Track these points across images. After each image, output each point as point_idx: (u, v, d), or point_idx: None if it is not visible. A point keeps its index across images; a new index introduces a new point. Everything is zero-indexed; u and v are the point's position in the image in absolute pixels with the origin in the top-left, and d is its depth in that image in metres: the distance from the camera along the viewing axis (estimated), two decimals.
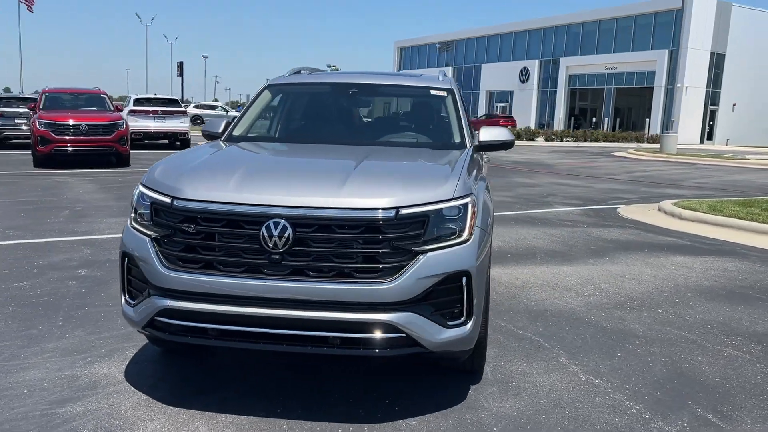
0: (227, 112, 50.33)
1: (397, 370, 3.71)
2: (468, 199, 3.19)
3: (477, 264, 3.10)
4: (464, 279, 3.05)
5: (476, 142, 4.33)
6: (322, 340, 2.96)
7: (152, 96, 23.41)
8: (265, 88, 4.93)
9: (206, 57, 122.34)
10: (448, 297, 3.06)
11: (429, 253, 2.97)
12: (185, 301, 3.01)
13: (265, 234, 2.90)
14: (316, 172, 3.47)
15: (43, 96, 16.76)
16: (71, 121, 14.71)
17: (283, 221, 2.91)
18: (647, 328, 4.58)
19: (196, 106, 49.52)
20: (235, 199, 3.00)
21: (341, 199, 2.97)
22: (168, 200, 3.09)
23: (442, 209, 3.07)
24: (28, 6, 56.94)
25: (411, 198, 3.02)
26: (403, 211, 2.96)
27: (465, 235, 3.11)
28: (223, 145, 4.20)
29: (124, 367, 3.65)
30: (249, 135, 4.50)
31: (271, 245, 2.89)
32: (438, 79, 4.84)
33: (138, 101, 22.33)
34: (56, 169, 14.33)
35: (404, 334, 2.94)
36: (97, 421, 3.01)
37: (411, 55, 75.22)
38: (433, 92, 4.70)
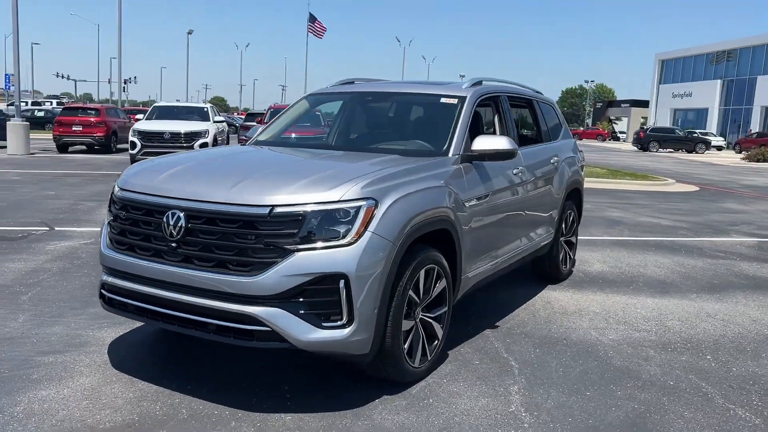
0: None
1: (330, 367, 3.75)
2: (362, 203, 3.16)
3: (359, 268, 3.07)
4: (342, 282, 3.05)
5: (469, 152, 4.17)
6: (202, 325, 3.19)
7: None
8: (303, 97, 5.28)
9: (462, 76, 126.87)
10: (324, 298, 3.07)
11: (302, 252, 3.03)
12: (115, 277, 3.47)
13: (165, 223, 3.23)
14: (230, 171, 3.68)
15: (269, 111, 19.57)
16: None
17: (178, 212, 3.21)
18: (664, 372, 3.93)
19: None
20: (150, 190, 3.39)
21: (227, 195, 3.18)
22: (116, 190, 3.59)
23: (321, 210, 3.10)
24: (317, 34, 64.65)
25: (288, 198, 3.11)
26: (278, 210, 3.07)
27: (349, 238, 3.10)
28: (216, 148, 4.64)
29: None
30: (265, 140, 4.86)
31: (168, 233, 3.22)
32: (460, 86, 4.72)
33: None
34: None
35: (269, 329, 3.03)
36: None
37: (674, 68, 69.12)
38: (442, 100, 4.60)
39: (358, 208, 3.16)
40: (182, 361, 3.91)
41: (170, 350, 4.11)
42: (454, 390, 3.56)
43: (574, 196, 6.31)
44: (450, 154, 4.12)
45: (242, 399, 3.33)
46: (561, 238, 5.99)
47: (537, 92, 6.36)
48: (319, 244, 3.07)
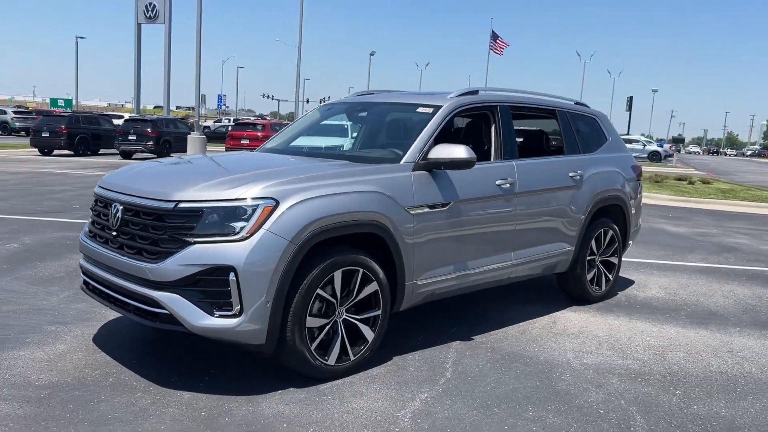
0: (644, 146, 48.99)
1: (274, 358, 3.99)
2: (260, 203, 3.41)
3: (249, 263, 3.31)
4: (232, 274, 3.31)
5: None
6: (126, 305, 3.63)
7: None
8: (315, 108, 5.61)
9: (655, 91, 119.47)
10: (216, 288, 3.36)
11: (198, 244, 3.35)
12: (87, 262, 4.05)
13: (111, 214, 3.74)
14: (176, 173, 4.07)
15: None
16: None
17: (118, 205, 3.70)
18: (603, 400, 3.63)
19: None
20: (109, 186, 3.92)
21: (149, 191, 3.60)
22: (96, 185, 4.19)
23: (219, 207, 3.40)
24: (497, 51, 65.53)
25: (191, 195, 3.44)
26: (181, 205, 3.42)
27: (243, 234, 3.36)
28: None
29: None
30: (268, 147, 5.24)
31: (112, 223, 3.72)
32: (444, 97, 4.73)
33: None
34: None
35: (168, 312, 3.38)
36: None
37: None
38: (419, 110, 4.65)
39: (255, 207, 3.40)
40: (158, 344, 4.33)
41: (158, 334, 4.57)
42: (362, 391, 3.63)
43: (612, 213, 5.91)
44: (402, 162, 4.18)
45: (166, 376, 3.70)
46: (591, 257, 5.65)
47: (579, 104, 6.08)
48: (215, 237, 3.36)
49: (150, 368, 3.82)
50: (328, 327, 3.71)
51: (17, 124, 41.57)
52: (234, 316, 3.36)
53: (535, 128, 6.34)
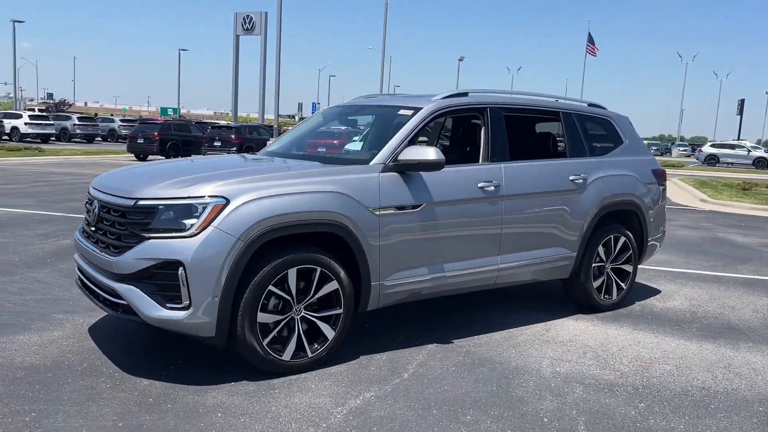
0: (749, 152, 46.11)
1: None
2: (210, 201, 3.57)
3: (196, 258, 3.48)
4: (181, 269, 3.50)
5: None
6: (98, 296, 3.90)
7: None
8: (319, 112, 5.75)
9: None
10: (167, 281, 3.55)
11: (152, 240, 3.57)
12: (77, 255, 4.38)
13: (92, 211, 4.04)
14: (151, 172, 4.28)
15: None
16: None
17: (96, 202, 3.99)
18: (554, 409, 3.51)
19: (713, 145, 47.20)
20: (95, 185, 4.20)
21: (117, 189, 3.86)
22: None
23: (172, 204, 3.60)
24: (591, 53, 64.16)
25: (149, 193, 3.67)
26: (140, 202, 3.65)
27: (192, 230, 3.54)
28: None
29: None
30: (268, 150, 5.42)
31: (92, 219, 4.02)
32: (429, 99, 4.74)
33: None
34: None
35: (126, 303, 3.62)
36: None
37: None
38: (400, 112, 4.68)
39: (206, 205, 3.56)
40: (147, 336, 4.57)
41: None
42: (311, 386, 3.71)
43: (625, 218, 5.68)
44: (371, 163, 4.23)
45: (135, 365, 3.93)
46: (599, 264, 5.45)
47: (593, 105, 5.90)
48: (168, 233, 3.56)
49: (127, 357, 4.07)
50: (283, 323, 3.82)
51: (123, 132, 44.59)
52: (183, 309, 3.53)
53: (535, 130, 6.18)
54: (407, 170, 4.25)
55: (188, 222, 3.55)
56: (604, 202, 5.37)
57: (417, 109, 4.58)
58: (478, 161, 4.84)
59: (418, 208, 4.26)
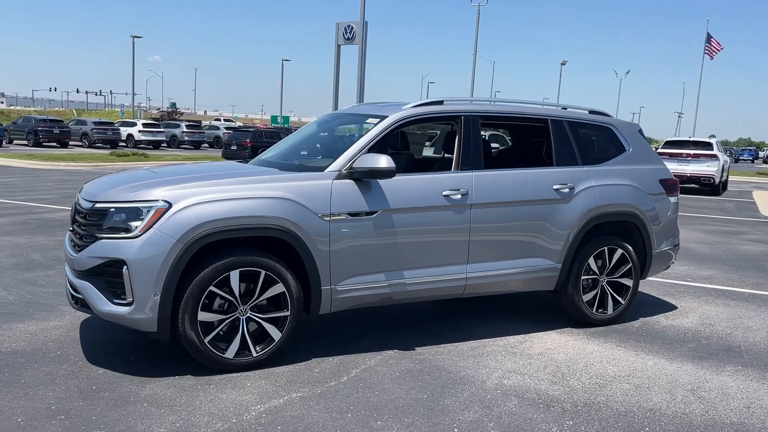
0: None
1: None
2: (153, 205, 3.83)
3: (138, 258, 3.75)
4: (125, 267, 3.78)
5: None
6: (68, 292, 4.25)
7: (686, 138, 22.85)
8: (314, 121, 5.94)
9: None
10: (114, 278, 3.85)
11: (103, 240, 3.88)
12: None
13: (71, 212, 4.43)
14: (123, 178, 4.57)
15: None
16: None
17: (76, 206, 4.36)
18: (473, 420, 3.47)
19: None
20: (81, 189, 4.58)
21: (89, 192, 4.20)
22: None
23: (120, 208, 3.89)
24: (710, 53, 61.29)
25: (103, 197, 3.99)
26: (96, 206, 3.98)
27: (136, 232, 3.81)
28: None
29: None
30: (260, 158, 5.64)
31: (71, 222, 4.40)
32: (399, 107, 4.79)
33: (669, 143, 22.33)
34: None
35: (82, 297, 3.95)
36: None
37: None
38: (367, 120, 4.76)
39: (150, 209, 3.82)
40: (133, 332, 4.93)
41: None
42: (245, 384, 3.87)
43: (622, 230, 5.44)
44: (327, 170, 4.34)
45: (102, 356, 4.27)
46: (591, 277, 5.27)
47: (594, 112, 5.72)
48: (116, 234, 3.85)
49: (99, 348, 4.41)
50: (227, 322, 4.00)
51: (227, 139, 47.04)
52: (127, 305, 3.80)
53: (520, 138, 6.03)
54: (361, 178, 4.32)
55: (134, 224, 3.82)
56: (595, 212, 5.18)
57: (382, 118, 4.65)
58: (450, 169, 4.82)
59: (374, 215, 4.32)
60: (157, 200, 3.85)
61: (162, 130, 42.75)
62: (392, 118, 4.64)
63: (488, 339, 4.92)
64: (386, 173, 4.24)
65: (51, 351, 4.30)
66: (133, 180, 4.31)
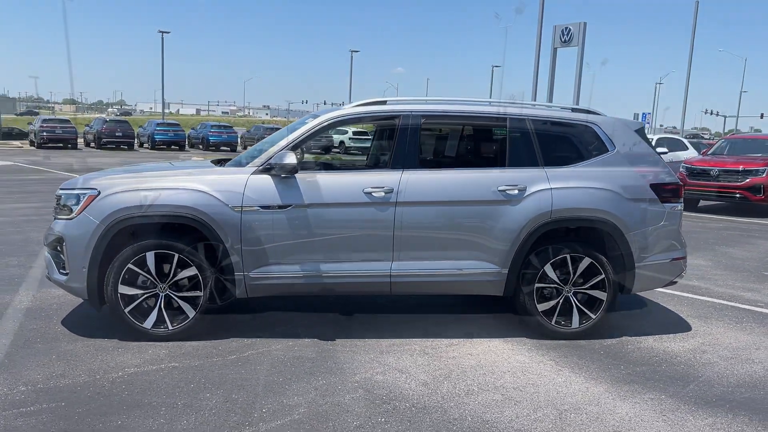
0: None
1: None
2: (86, 192, 4.61)
3: (70, 236, 4.55)
4: (63, 243, 4.62)
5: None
6: None
7: None
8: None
9: None
10: (59, 252, 4.71)
11: (57, 220, 4.75)
12: None
13: None
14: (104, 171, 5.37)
15: (720, 142, 17.28)
16: (712, 167, 14.81)
17: None
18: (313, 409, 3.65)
19: None
20: None
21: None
22: None
23: (66, 194, 4.70)
24: None
25: (66, 185, 4.84)
26: (58, 192, 4.85)
27: (73, 214, 4.61)
28: None
29: None
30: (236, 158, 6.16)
31: None
32: (340, 108, 5.03)
33: None
34: None
35: (45, 265, 4.87)
36: None
37: None
38: (306, 120, 5.03)
39: (84, 195, 4.59)
40: None
41: None
42: (141, 349, 4.43)
43: (594, 237, 5.01)
44: (248, 165, 4.76)
45: (75, 317, 5.16)
46: (551, 286, 4.95)
47: (579, 110, 5.33)
48: (62, 215, 4.66)
49: (82, 310, 5.29)
50: (145, 297, 4.60)
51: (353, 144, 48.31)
52: (66, 274, 4.60)
53: (471, 138, 5.70)
54: (273, 173, 4.64)
55: (73, 208, 4.61)
56: (551, 217, 4.84)
57: (315, 117, 4.92)
58: (387, 167, 4.91)
59: (286, 208, 4.61)
60: (92, 188, 4.59)
61: (369, 137, 45.50)
62: (322, 118, 4.89)
63: (423, 338, 4.89)
64: (290, 169, 4.54)
65: (47, 310, 5.28)
66: (102, 173, 5.11)
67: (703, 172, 14.97)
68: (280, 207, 4.61)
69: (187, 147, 38.96)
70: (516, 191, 4.83)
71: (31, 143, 33.43)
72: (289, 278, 4.71)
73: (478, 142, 5.70)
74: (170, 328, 4.63)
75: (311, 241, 4.69)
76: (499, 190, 4.82)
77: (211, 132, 39.04)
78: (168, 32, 54.80)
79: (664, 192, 5.08)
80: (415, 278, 4.83)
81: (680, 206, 5.17)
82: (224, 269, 4.64)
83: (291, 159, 4.50)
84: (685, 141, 20.45)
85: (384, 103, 5.05)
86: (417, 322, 5.33)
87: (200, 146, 39.59)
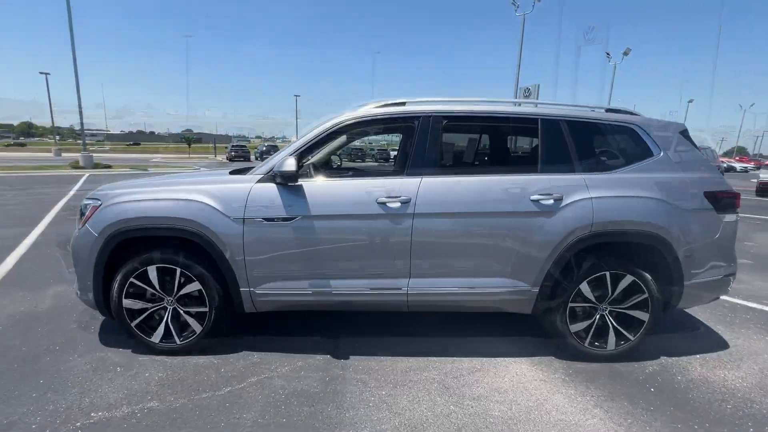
0: None
1: None
2: (90, 202, 4.48)
3: (74, 248, 4.43)
4: (72, 255, 4.50)
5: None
6: None
7: None
8: None
9: None
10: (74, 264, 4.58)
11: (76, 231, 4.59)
12: None
13: None
14: None
15: None
16: None
17: None
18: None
19: None
20: None
21: None
22: None
23: (84, 204, 4.54)
24: None
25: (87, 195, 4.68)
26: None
27: (80, 225, 4.47)
28: None
29: None
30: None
31: None
32: (355, 110, 4.62)
33: None
34: None
35: None
36: None
37: None
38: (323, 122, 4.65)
39: (88, 206, 4.44)
40: None
41: None
42: (140, 363, 4.30)
43: (638, 253, 4.44)
44: (253, 174, 4.46)
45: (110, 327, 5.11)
46: (588, 305, 4.46)
47: (613, 110, 4.70)
48: (77, 227, 4.52)
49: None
50: (151, 311, 4.46)
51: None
52: (79, 287, 4.49)
53: (498, 141, 5.10)
54: (287, 181, 4.32)
55: (81, 219, 4.47)
56: (592, 230, 4.31)
57: (329, 120, 4.54)
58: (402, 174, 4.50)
59: (292, 220, 4.30)
60: (94, 198, 4.43)
61: None
62: (334, 121, 4.50)
63: (442, 358, 4.54)
64: (289, 177, 4.22)
65: (72, 312, 5.27)
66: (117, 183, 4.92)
67: None
68: (284, 219, 4.30)
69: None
70: (551, 201, 4.32)
71: (228, 158, 47.67)
72: (299, 294, 4.43)
73: (506, 146, 5.16)
74: (178, 342, 4.48)
75: (320, 256, 4.37)
76: (532, 200, 4.32)
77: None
78: None
79: (720, 201, 4.43)
80: (433, 297, 4.45)
81: (737, 217, 4.51)
82: (228, 285, 4.41)
83: (290, 166, 4.18)
84: None
85: (403, 104, 4.60)
86: (435, 337, 4.96)
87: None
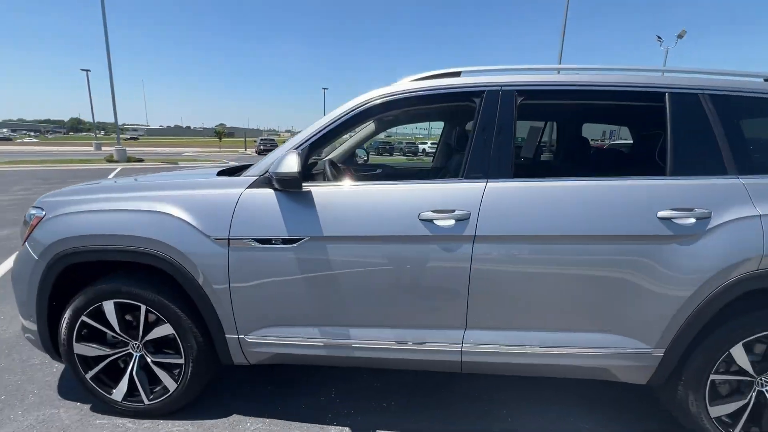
0: None
1: None
2: (34, 211, 3.31)
3: (14, 275, 3.25)
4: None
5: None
6: None
7: None
8: None
9: None
10: None
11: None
12: None
13: None
14: None
15: None
16: None
17: None
18: None
19: None
20: None
21: None
22: None
23: (30, 214, 3.34)
24: None
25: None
26: None
27: (22, 240, 3.30)
28: None
29: None
30: None
31: None
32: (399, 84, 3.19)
33: None
34: None
35: None
36: None
37: None
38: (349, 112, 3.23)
39: (32, 216, 3.26)
40: None
41: None
42: (89, 425, 3.15)
43: None
44: (245, 175, 3.16)
45: None
46: (736, 378, 2.94)
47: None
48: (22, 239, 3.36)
49: None
50: (110, 359, 3.28)
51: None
52: (23, 322, 3.35)
53: (599, 129, 3.43)
54: (276, 187, 3.00)
55: (24, 234, 3.31)
56: (759, 266, 2.75)
57: (354, 100, 3.14)
58: (458, 175, 3.05)
59: (296, 244, 2.96)
60: (38, 207, 3.26)
61: None
62: (356, 101, 3.10)
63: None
64: (290, 181, 2.86)
65: None
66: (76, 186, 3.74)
67: None
68: (285, 241, 2.96)
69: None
70: (692, 219, 2.77)
71: (256, 151, 48.83)
72: (305, 346, 3.12)
73: (622, 134, 3.58)
74: (146, 403, 3.28)
75: (335, 294, 3.01)
76: (660, 219, 2.79)
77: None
78: None
79: None
80: (501, 356, 3.02)
81: None
82: (209, 329, 3.14)
83: (290, 166, 2.84)
84: None
85: (457, 74, 3.13)
86: (489, 407, 3.56)
87: None
